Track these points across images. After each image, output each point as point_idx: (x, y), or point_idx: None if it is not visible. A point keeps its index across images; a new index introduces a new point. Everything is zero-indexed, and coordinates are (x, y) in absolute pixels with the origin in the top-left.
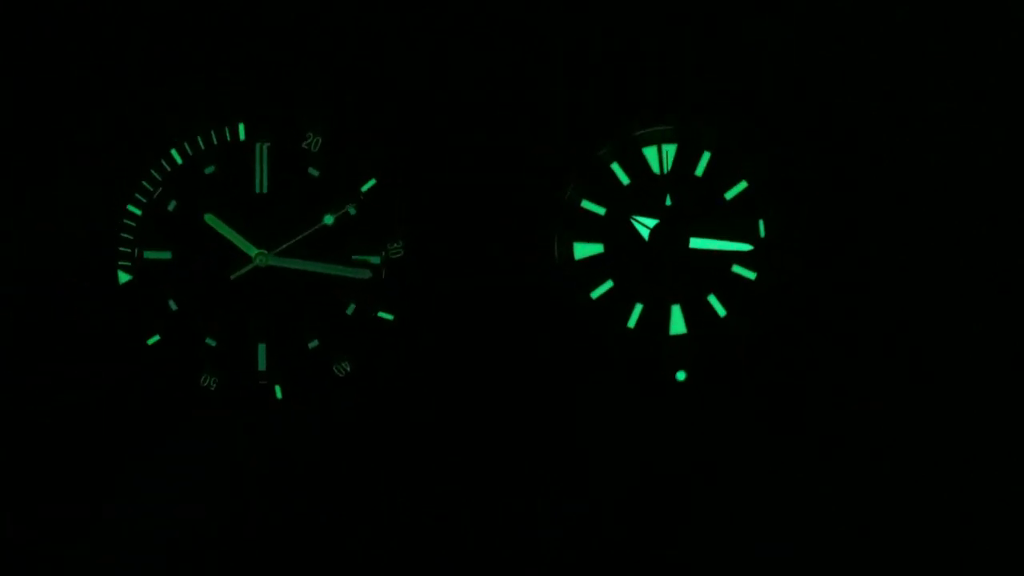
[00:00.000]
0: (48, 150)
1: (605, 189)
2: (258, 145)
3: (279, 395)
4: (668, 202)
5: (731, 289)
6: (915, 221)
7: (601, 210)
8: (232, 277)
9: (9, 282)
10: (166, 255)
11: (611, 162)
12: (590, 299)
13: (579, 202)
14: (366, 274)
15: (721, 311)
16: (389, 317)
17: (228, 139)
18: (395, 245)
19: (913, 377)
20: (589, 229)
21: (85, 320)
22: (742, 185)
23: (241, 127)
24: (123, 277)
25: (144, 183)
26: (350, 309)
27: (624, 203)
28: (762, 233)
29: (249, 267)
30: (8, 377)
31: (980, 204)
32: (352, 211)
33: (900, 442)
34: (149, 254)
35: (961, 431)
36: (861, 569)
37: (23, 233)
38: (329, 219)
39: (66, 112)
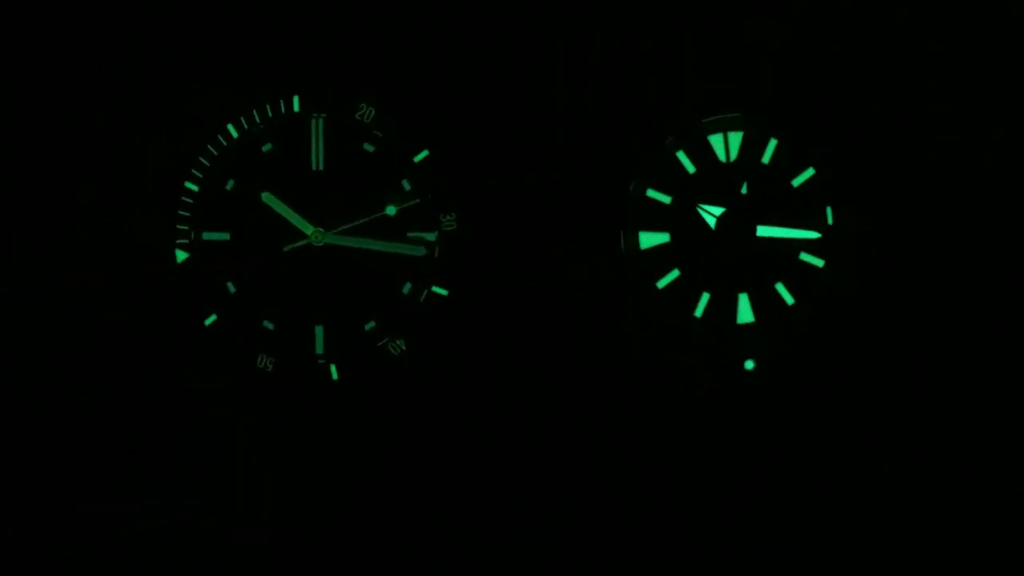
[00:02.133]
0: (104, 130)
1: (671, 178)
2: (313, 118)
3: (335, 376)
4: (734, 190)
5: (799, 277)
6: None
7: (667, 199)
8: (285, 249)
9: (69, 269)
10: (224, 236)
11: (677, 151)
12: (656, 289)
13: (645, 191)
14: (420, 251)
15: (789, 299)
16: (444, 292)
17: (283, 112)
18: (448, 218)
19: (981, 364)
20: (655, 218)
21: (144, 303)
22: (809, 172)
23: (296, 99)
24: (180, 257)
25: (202, 159)
26: (406, 288)
27: (690, 192)
28: (830, 220)
29: (303, 242)
30: (44, 364)
31: (981, 206)
32: (407, 186)
33: (965, 433)
34: (207, 235)
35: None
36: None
37: (84, 215)
38: (392, 210)
39: (121, 91)
